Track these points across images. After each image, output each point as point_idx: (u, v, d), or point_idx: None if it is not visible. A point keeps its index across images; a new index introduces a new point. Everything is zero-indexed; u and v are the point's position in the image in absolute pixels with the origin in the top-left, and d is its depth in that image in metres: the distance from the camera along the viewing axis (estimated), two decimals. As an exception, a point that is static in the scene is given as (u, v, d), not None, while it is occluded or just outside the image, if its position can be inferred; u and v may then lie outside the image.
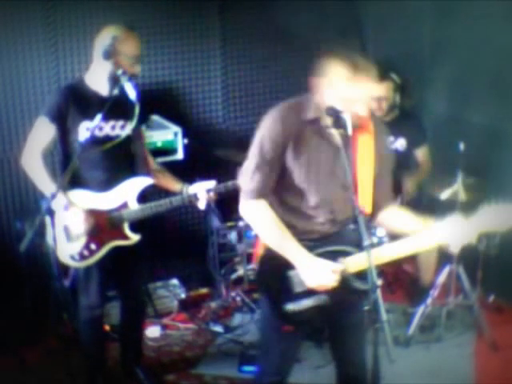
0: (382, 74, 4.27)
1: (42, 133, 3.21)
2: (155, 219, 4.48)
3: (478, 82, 4.36)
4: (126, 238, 3.32)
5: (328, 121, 2.49)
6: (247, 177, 2.56)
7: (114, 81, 3.15)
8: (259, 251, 2.66)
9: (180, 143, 4.35)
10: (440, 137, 4.55)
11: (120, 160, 3.27)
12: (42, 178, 3.20)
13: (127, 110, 3.16)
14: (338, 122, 2.39)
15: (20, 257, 2.96)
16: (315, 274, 2.45)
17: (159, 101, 4.54)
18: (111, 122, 3.23)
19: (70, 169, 3.01)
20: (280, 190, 2.57)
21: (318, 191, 2.54)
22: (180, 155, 4.37)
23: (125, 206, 3.29)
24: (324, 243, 2.55)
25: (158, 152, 4.22)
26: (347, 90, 2.38)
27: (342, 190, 2.55)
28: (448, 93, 4.63)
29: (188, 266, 4.72)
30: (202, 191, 3.34)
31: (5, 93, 4.17)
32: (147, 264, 3.69)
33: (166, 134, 4.32)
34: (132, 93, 3.12)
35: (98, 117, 3.06)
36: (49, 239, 3.18)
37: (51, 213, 3.14)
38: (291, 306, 2.53)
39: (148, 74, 4.54)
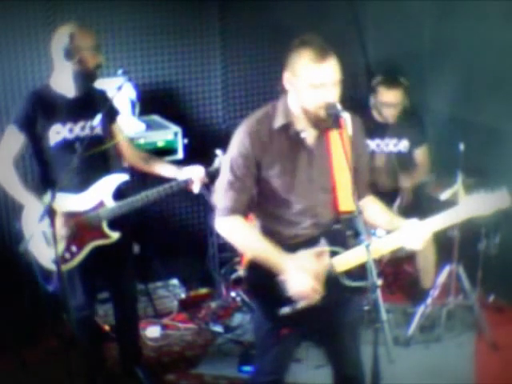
0: (395, 81, 4.24)
1: (11, 141, 3.21)
2: (155, 219, 4.50)
3: (478, 82, 4.36)
4: (105, 236, 3.31)
5: (299, 124, 2.48)
6: (220, 194, 2.55)
7: (83, 78, 3.17)
8: (246, 256, 2.66)
9: (180, 143, 4.35)
10: (440, 137, 4.55)
11: (93, 160, 3.25)
12: (14, 187, 3.21)
13: (97, 109, 3.16)
14: (338, 122, 2.38)
15: (19, 257, 2.96)
16: (299, 278, 2.42)
17: (159, 101, 4.54)
18: (81, 123, 3.24)
19: (69, 171, 3.00)
20: (262, 202, 2.56)
21: (299, 198, 2.53)
22: (180, 155, 4.37)
23: (101, 204, 3.29)
24: (309, 246, 2.54)
25: (158, 152, 4.21)
26: (312, 74, 2.37)
27: (323, 192, 2.56)
28: (448, 93, 4.62)
29: (188, 266, 4.72)
30: (195, 175, 3.35)
31: (5, 93, 4.17)
32: (134, 263, 3.68)
33: (166, 133, 4.32)
34: (132, 93, 3.13)
35: (98, 117, 3.07)
36: (30, 245, 3.16)
37: (51, 214, 3.13)
38: (286, 309, 2.51)
39: (148, 74, 4.54)
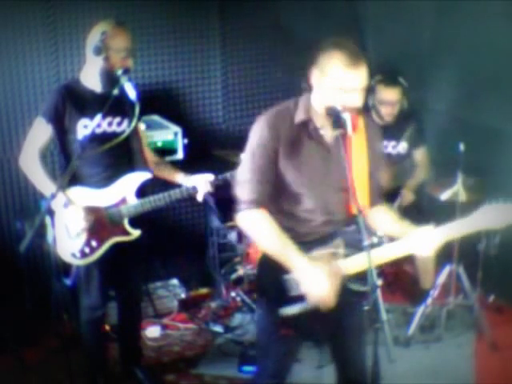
0: (393, 80, 4.26)
1: (40, 133, 3.23)
2: (155, 219, 4.49)
3: (478, 82, 4.35)
4: (126, 233, 3.33)
5: (319, 121, 2.49)
6: (243, 188, 2.54)
7: (107, 76, 3.18)
8: (258, 254, 2.64)
9: (180, 143, 4.35)
10: (440, 137, 4.55)
11: (118, 156, 3.29)
12: (40, 179, 3.22)
13: (124, 106, 3.20)
14: (339, 122, 2.38)
15: (20, 257, 2.97)
16: (314, 282, 2.41)
17: (159, 101, 4.54)
18: (108, 119, 3.25)
19: (70, 168, 3.03)
20: (275, 196, 2.56)
21: (313, 194, 2.53)
22: (180, 155, 4.37)
23: (123, 201, 3.31)
24: (324, 243, 2.54)
25: (158, 152, 4.20)
26: (343, 78, 2.36)
27: (337, 190, 2.55)
28: (448, 93, 4.62)
29: (188, 266, 4.72)
30: (201, 183, 3.37)
31: (5, 93, 4.18)
32: (145, 264, 3.69)
33: (166, 133, 4.32)
34: (132, 93, 3.14)
35: (98, 116, 3.09)
36: (50, 238, 3.19)
37: (51, 213, 3.14)
38: (286, 310, 2.50)
39: (148, 74, 4.55)
